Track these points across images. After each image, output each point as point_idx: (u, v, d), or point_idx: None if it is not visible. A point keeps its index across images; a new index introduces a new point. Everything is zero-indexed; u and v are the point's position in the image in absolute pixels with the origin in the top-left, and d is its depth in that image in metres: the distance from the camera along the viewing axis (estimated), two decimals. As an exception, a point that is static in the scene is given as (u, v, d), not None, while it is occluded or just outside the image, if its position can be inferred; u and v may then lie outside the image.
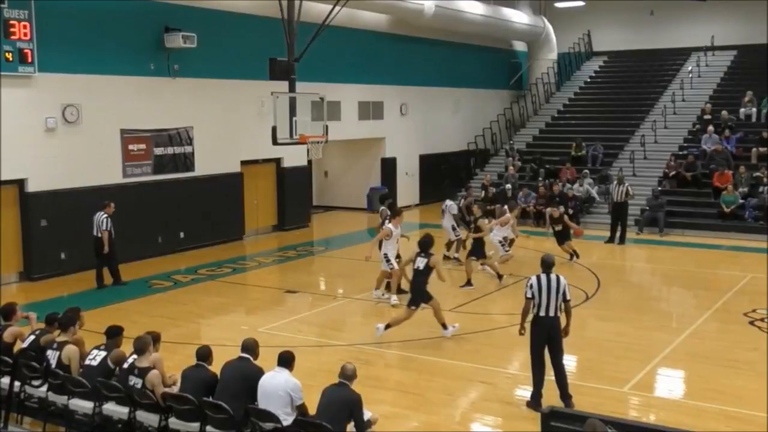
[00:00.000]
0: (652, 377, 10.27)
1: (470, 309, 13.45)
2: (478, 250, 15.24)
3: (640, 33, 31.60)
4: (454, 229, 17.36)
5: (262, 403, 7.16)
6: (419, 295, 11.66)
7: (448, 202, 17.61)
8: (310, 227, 23.00)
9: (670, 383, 10.34)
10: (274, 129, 16.02)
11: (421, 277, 11.60)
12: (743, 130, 24.24)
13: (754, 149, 22.95)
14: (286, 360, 7.31)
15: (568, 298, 8.93)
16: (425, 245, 11.72)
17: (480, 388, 9.93)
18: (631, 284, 16.68)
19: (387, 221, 14.84)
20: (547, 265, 9.03)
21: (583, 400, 8.92)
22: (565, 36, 32.33)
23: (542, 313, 8.85)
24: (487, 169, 27.01)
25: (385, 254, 13.85)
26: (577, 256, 16.79)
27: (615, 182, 20.40)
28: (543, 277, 8.91)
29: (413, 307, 11.67)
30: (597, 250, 19.22)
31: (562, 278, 8.96)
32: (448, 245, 17.72)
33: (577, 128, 27.34)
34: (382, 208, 15.48)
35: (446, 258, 17.43)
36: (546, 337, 8.89)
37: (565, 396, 8.83)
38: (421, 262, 11.57)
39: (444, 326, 11.72)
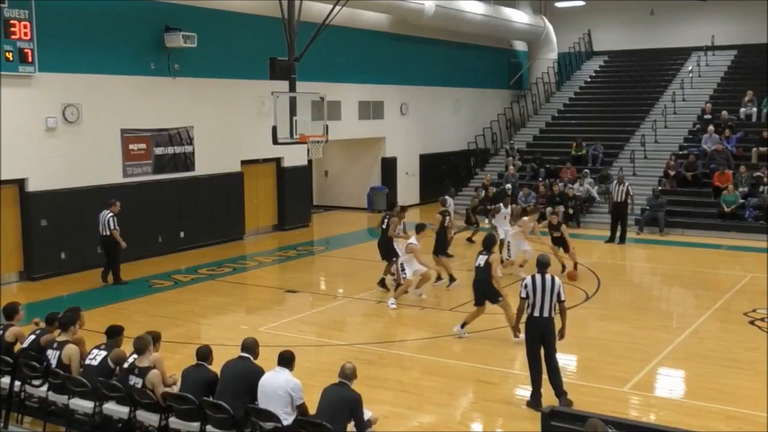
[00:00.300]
0: (653, 377, 10.27)
1: (470, 308, 13.43)
2: (439, 247, 15.09)
3: (640, 33, 31.59)
4: None
5: (263, 402, 7.16)
6: (485, 292, 11.52)
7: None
8: (310, 227, 23.00)
9: (670, 383, 10.34)
10: (274, 129, 16.00)
11: (482, 274, 11.49)
12: (743, 129, 24.23)
13: (755, 149, 22.95)
14: (286, 360, 7.31)
15: (562, 298, 8.94)
16: (488, 244, 11.70)
17: (480, 387, 9.92)
18: (632, 284, 16.67)
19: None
20: (542, 265, 9.06)
21: (583, 400, 8.93)
22: (565, 36, 32.32)
23: (536, 314, 8.88)
24: (487, 169, 27.00)
25: (402, 264, 13.81)
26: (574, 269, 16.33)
27: (615, 182, 20.39)
28: (538, 277, 8.94)
29: (480, 306, 11.57)
30: (597, 250, 19.22)
31: (556, 279, 8.99)
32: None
33: (577, 128, 27.32)
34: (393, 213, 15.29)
35: None
36: (540, 337, 8.91)
37: (559, 394, 8.84)
38: (481, 260, 11.51)
39: (515, 330, 11.10)
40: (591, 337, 11.86)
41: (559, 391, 8.87)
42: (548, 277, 8.93)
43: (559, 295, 8.89)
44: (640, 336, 11.88)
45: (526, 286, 8.95)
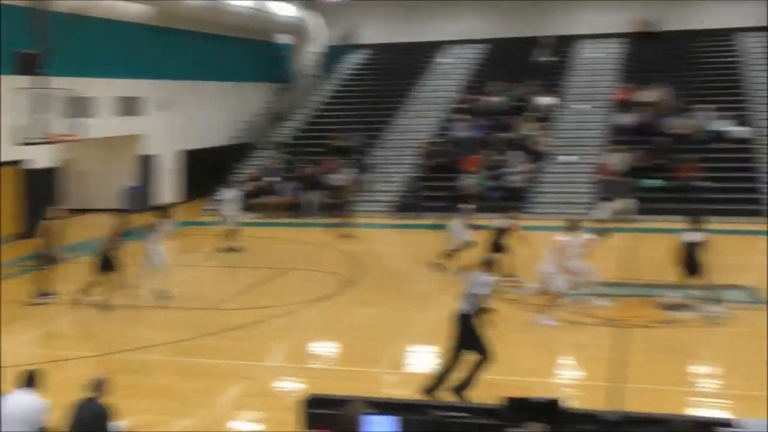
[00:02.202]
0: (401, 355, 10.94)
1: (241, 304, 13.55)
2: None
3: (402, 26, 32.76)
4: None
5: (6, 427, 6.80)
6: None
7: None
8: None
9: (421, 359, 11.05)
10: (17, 128, 14.99)
11: None
12: (494, 117, 26.32)
13: (498, 135, 25.14)
14: (28, 379, 7.00)
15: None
16: None
17: (241, 384, 10.05)
18: (390, 269, 17.43)
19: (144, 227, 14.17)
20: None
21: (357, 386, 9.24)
22: (331, 29, 32.91)
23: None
24: (252, 163, 26.97)
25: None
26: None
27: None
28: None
29: None
30: (372, 237, 19.92)
31: (483, 275, 9.07)
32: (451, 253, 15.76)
33: (341, 119, 28.09)
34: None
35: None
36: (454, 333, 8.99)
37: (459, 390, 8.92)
38: None
39: None
40: (348, 323, 12.50)
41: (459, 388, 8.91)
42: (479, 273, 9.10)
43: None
44: (394, 317, 12.67)
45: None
